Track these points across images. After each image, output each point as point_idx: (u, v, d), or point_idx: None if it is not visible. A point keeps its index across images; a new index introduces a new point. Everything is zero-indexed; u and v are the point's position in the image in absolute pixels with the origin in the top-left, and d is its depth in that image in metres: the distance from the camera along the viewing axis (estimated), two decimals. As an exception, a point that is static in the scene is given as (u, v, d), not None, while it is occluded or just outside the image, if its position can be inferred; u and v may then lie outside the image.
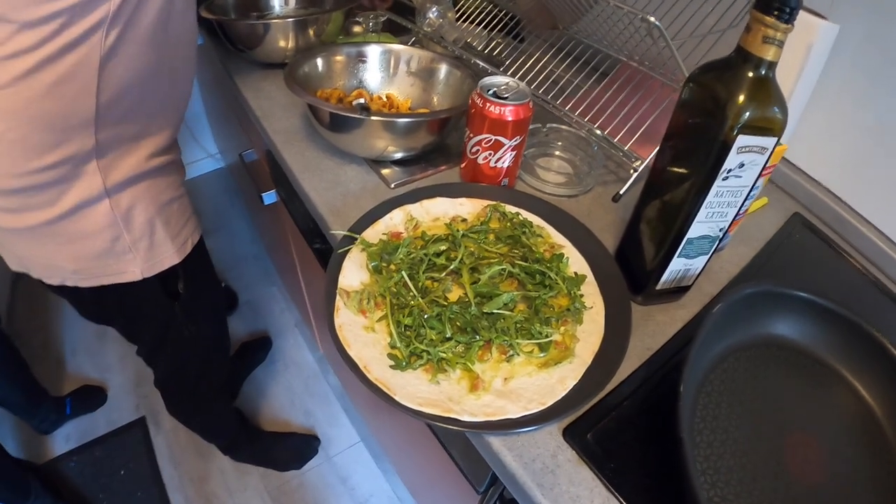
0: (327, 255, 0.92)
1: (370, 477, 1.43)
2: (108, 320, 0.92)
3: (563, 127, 0.84)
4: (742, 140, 0.48)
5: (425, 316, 0.52)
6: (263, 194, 1.09)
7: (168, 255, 0.79)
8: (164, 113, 0.74)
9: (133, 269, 0.76)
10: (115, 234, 0.72)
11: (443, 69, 0.83)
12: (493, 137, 0.66)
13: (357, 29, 1.13)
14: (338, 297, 0.55)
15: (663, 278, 0.60)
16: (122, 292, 0.78)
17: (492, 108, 0.64)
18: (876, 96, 0.71)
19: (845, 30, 0.68)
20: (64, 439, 1.45)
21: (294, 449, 1.46)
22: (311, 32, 0.95)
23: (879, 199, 0.76)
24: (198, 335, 0.98)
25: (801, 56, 0.70)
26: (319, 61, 0.83)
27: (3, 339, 1.27)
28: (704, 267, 0.62)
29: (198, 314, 0.96)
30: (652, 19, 0.65)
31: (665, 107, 0.76)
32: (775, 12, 0.43)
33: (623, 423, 0.53)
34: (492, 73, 0.77)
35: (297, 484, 1.41)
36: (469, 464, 0.68)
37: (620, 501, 0.47)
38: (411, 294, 0.55)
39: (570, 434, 0.51)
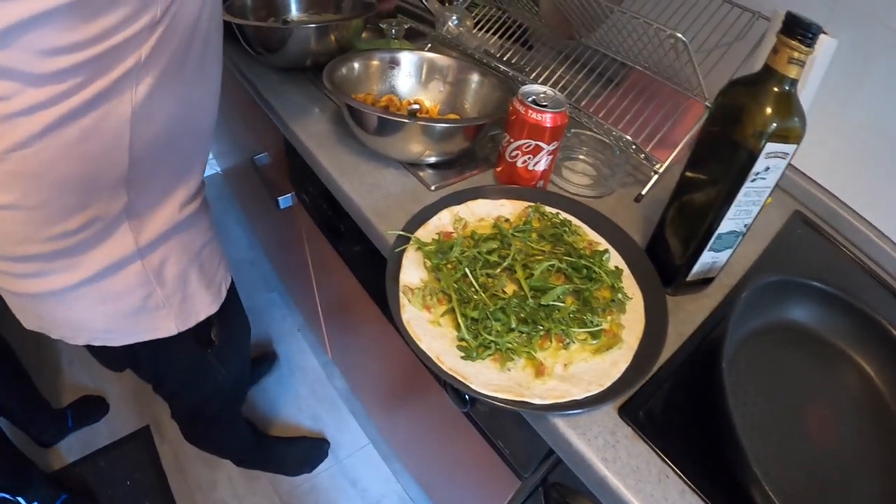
0: (359, 257, 0.95)
1: (381, 478, 1.45)
2: (133, 369, 0.87)
3: (586, 132, 0.89)
4: (769, 147, 0.54)
5: (490, 309, 0.56)
6: (280, 198, 1.11)
7: (204, 306, 0.75)
8: (196, 154, 0.68)
9: (167, 325, 0.71)
10: (147, 292, 0.66)
11: (474, 77, 0.87)
12: (533, 142, 0.70)
13: (364, 35, 1.17)
14: (402, 295, 0.58)
15: (693, 270, 0.65)
16: (154, 346, 0.73)
17: (533, 115, 0.68)
18: (861, 100, 0.79)
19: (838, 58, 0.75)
20: (66, 450, 1.43)
21: (304, 453, 1.46)
22: (332, 38, 0.98)
23: (871, 195, 0.83)
24: (227, 376, 0.95)
25: (806, 68, 0.77)
26: (356, 65, 0.86)
27: (4, 346, 1.25)
28: (729, 259, 0.67)
29: (229, 357, 0.92)
30: (681, 36, 0.70)
31: (680, 113, 0.82)
32: (799, 37, 0.50)
33: (668, 400, 0.58)
34: (523, 82, 0.82)
35: (308, 488, 1.42)
36: (515, 453, 0.71)
37: (674, 470, 0.52)
38: (473, 289, 0.58)
39: (624, 412, 0.55)
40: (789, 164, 0.88)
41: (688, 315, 0.66)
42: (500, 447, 0.73)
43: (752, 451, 0.52)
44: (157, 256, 0.65)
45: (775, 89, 0.53)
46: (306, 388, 1.62)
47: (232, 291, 0.84)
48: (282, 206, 1.13)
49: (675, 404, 0.58)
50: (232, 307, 0.86)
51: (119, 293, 0.64)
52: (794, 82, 0.53)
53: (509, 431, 0.70)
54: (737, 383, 0.59)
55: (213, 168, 2.21)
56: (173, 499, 1.37)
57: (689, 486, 0.51)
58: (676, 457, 0.52)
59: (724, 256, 0.66)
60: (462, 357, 0.53)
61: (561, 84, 0.91)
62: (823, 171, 0.87)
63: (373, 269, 0.83)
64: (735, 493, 0.49)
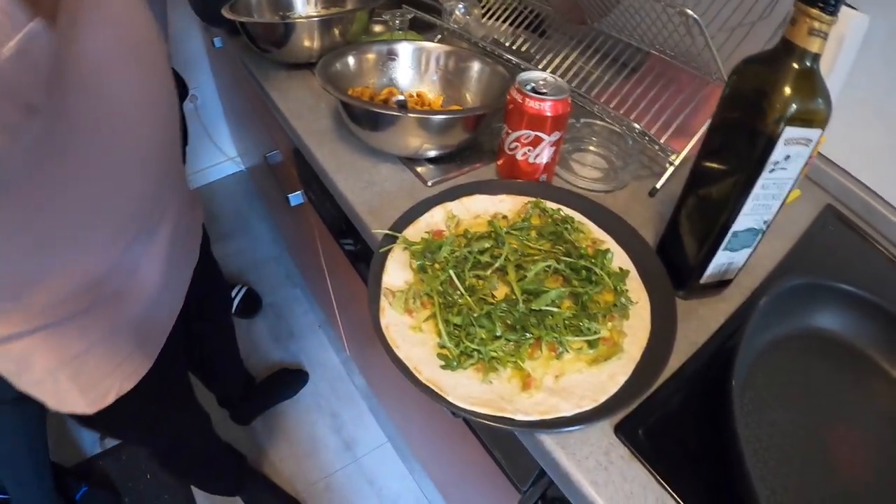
0: (360, 255, 0.92)
1: (398, 477, 1.43)
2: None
3: (597, 122, 0.83)
4: (789, 132, 0.48)
5: (474, 315, 0.52)
6: (290, 196, 1.09)
7: (78, 406, 0.66)
8: (39, 264, 0.51)
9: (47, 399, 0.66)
10: (15, 370, 0.61)
11: (475, 66, 0.82)
12: (533, 133, 0.65)
13: (378, 28, 1.14)
14: (382, 297, 0.55)
15: (707, 272, 0.60)
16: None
17: (531, 104, 0.63)
18: None
19: (873, 25, 0.68)
20: (90, 444, 1.46)
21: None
22: (336, 32, 0.95)
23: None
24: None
25: (834, 48, 0.69)
26: (351, 59, 0.83)
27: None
28: (748, 260, 0.61)
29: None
30: (690, 13, 0.64)
31: (699, 100, 0.76)
32: (820, 4, 0.43)
33: (673, 419, 0.52)
34: (525, 69, 0.77)
35: (325, 486, 1.42)
36: (512, 463, 0.67)
37: (675, 498, 0.47)
38: (458, 292, 0.54)
39: (621, 431, 0.50)
40: (820, 155, 0.82)
41: (701, 321, 0.61)
42: (497, 457, 0.69)
43: (764, 479, 0.46)
44: (16, 347, 0.58)
45: (795, 66, 0.46)
46: (326, 384, 1.61)
47: (137, 400, 0.71)
48: (293, 204, 1.11)
49: (681, 423, 0.52)
50: (129, 414, 0.76)
51: None
52: (816, 57, 0.46)
53: (504, 442, 0.66)
54: (752, 400, 0.54)
55: (237, 166, 2.23)
56: (192, 494, 1.39)
57: (690, 516, 0.46)
58: (678, 483, 0.47)
59: (741, 257, 0.60)
60: (442, 366, 0.50)
61: (573, 71, 0.85)
62: (859, 162, 0.79)
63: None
64: None
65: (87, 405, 0.67)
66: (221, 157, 2.17)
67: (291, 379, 1.60)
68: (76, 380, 0.64)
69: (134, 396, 0.69)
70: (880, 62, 0.71)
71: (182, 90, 1.33)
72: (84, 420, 0.69)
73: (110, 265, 0.57)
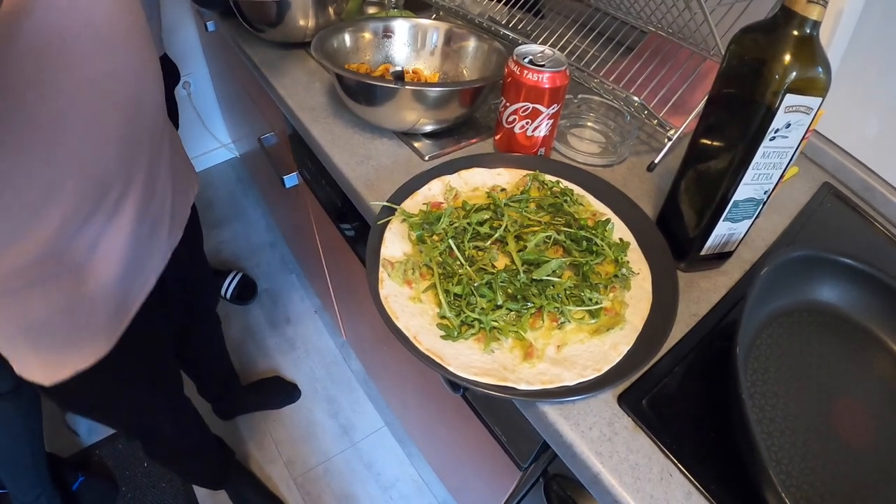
0: (357, 234, 0.91)
1: (395, 461, 1.43)
2: None
3: (595, 97, 0.82)
4: (790, 100, 0.48)
5: (475, 284, 0.51)
6: (285, 177, 1.08)
7: (37, 375, 0.66)
8: (22, 210, 0.51)
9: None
10: None
11: (471, 42, 0.81)
12: (531, 106, 0.64)
13: (372, 10, 1.12)
14: (381, 269, 0.54)
15: (708, 243, 0.59)
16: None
17: (529, 76, 0.62)
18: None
19: (864, 18, 0.67)
20: (86, 433, 1.45)
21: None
22: (330, 10, 0.94)
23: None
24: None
25: (831, 23, 0.69)
26: (347, 37, 0.81)
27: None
28: (748, 231, 0.60)
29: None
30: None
31: (696, 76, 0.75)
32: None
33: (676, 389, 0.52)
34: (523, 43, 0.75)
35: (323, 470, 1.41)
36: (513, 441, 0.67)
37: (679, 468, 0.46)
38: (458, 262, 0.53)
39: (624, 401, 0.50)
40: (818, 133, 0.82)
41: (702, 293, 0.60)
42: (498, 434, 0.69)
43: (770, 449, 0.46)
44: None
45: (795, 33, 0.46)
46: (323, 369, 1.60)
47: (98, 377, 0.70)
48: (287, 185, 1.10)
49: (684, 393, 0.52)
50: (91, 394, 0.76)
51: None
52: (815, 25, 0.46)
53: (505, 418, 0.66)
54: (755, 371, 0.53)
55: (231, 153, 2.21)
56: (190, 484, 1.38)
57: (697, 488, 0.45)
58: (683, 453, 0.47)
59: (742, 227, 0.59)
60: (442, 336, 0.49)
61: (569, 49, 0.84)
62: (857, 140, 0.79)
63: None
64: (749, 499, 0.43)
65: (43, 377, 0.66)
66: (215, 143, 2.15)
67: (282, 390, 1.55)
68: (35, 350, 0.64)
69: (94, 374, 0.68)
70: (876, 39, 0.71)
71: (174, 76, 1.31)
72: (44, 391, 0.68)
73: (68, 238, 0.56)
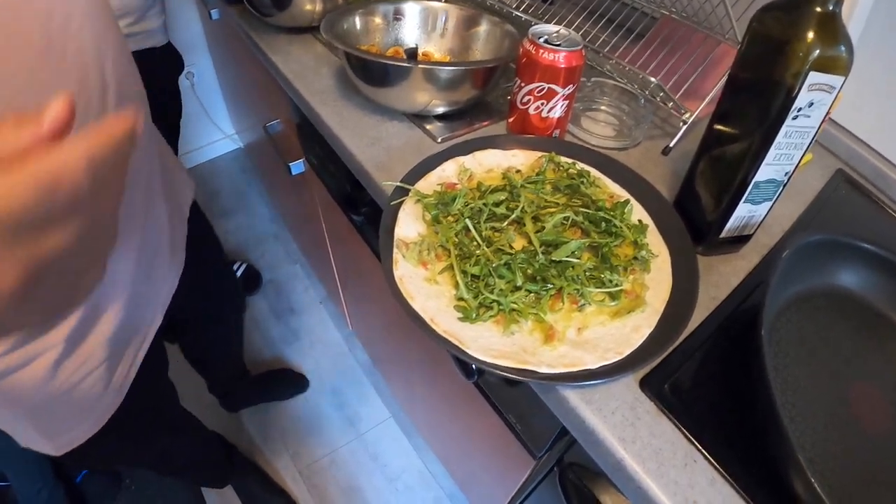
0: (367, 220, 0.90)
1: (401, 453, 1.42)
2: None
3: (609, 81, 0.80)
4: (813, 77, 0.47)
5: (493, 265, 0.50)
6: (291, 164, 1.07)
7: (45, 449, 0.63)
8: None
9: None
10: None
11: (483, 25, 0.79)
12: (546, 86, 0.62)
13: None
14: (395, 250, 0.52)
15: (728, 225, 0.58)
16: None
17: (545, 55, 0.61)
18: None
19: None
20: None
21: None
22: (338, -6, 0.92)
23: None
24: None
25: (849, 4, 0.67)
26: (357, 19, 0.79)
27: None
28: (767, 214, 0.59)
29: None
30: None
31: (710, 61, 0.73)
32: None
33: (698, 374, 0.51)
34: (538, 24, 0.74)
35: (329, 462, 1.40)
36: (527, 428, 0.65)
37: (704, 454, 0.45)
38: (475, 243, 0.52)
39: (647, 385, 0.48)
40: (831, 120, 0.81)
41: (721, 277, 0.59)
42: (513, 423, 0.67)
43: (794, 434, 0.45)
44: None
45: (818, 9, 0.45)
46: (328, 360, 1.59)
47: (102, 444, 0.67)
48: (293, 172, 1.09)
49: (706, 378, 0.51)
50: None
51: None
52: (839, 1, 0.44)
53: (520, 406, 0.65)
54: (775, 355, 0.52)
55: (235, 143, 2.19)
56: (194, 472, 1.37)
57: (721, 473, 0.44)
58: (707, 439, 0.46)
59: (762, 210, 0.58)
60: (460, 319, 0.47)
61: (581, 33, 0.82)
62: (870, 127, 0.78)
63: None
64: (774, 484, 0.42)
65: (52, 448, 0.63)
66: (219, 134, 2.13)
67: (289, 381, 1.53)
68: (37, 426, 0.60)
69: (105, 434, 0.65)
70: (887, 29, 0.70)
71: (178, 65, 1.29)
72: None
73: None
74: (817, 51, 0.45)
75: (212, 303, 1.06)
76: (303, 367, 1.58)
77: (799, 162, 0.54)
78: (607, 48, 0.79)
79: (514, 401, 0.66)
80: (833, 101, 0.50)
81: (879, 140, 0.78)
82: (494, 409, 0.70)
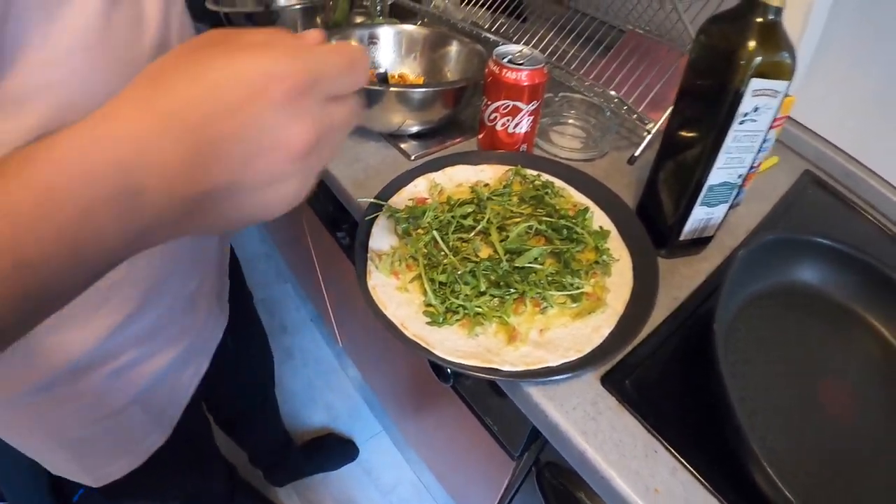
0: (352, 241, 0.93)
1: (394, 466, 1.44)
2: None
3: (575, 95, 0.84)
4: (756, 83, 0.50)
5: (458, 272, 0.53)
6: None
7: (78, 479, 0.63)
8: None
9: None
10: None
11: (453, 46, 0.83)
12: (511, 103, 0.66)
13: (359, 19, 1.15)
14: (369, 261, 0.55)
15: (686, 228, 0.61)
16: None
17: (508, 74, 0.64)
18: (874, 54, 0.73)
19: (840, 5, 0.70)
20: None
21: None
22: (318, 20, 0.96)
23: (886, 151, 0.77)
24: None
25: (803, 13, 0.71)
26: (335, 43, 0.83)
27: None
28: (725, 216, 0.62)
29: None
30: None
31: (673, 72, 0.77)
32: None
33: (658, 370, 0.53)
34: (504, 44, 0.78)
35: (322, 477, 1.42)
36: (504, 430, 0.68)
37: (664, 445, 0.47)
38: (443, 253, 0.55)
39: (608, 382, 0.51)
40: (797, 122, 0.84)
41: (683, 279, 0.62)
42: (490, 425, 0.70)
43: (754, 426, 0.47)
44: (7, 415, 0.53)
45: (758, 20, 0.48)
46: (320, 378, 1.61)
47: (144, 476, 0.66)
48: (279, 193, 1.11)
49: (667, 374, 0.53)
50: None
51: None
52: (778, 11, 0.48)
53: (495, 408, 0.67)
54: (737, 351, 0.54)
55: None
56: (191, 490, 1.38)
57: (681, 463, 0.46)
58: (667, 431, 0.48)
59: (719, 212, 0.61)
60: (428, 323, 0.50)
61: (549, 50, 0.87)
62: (836, 129, 0.81)
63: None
64: (733, 472, 0.44)
65: (91, 480, 0.63)
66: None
67: (339, 450, 1.45)
68: (78, 458, 0.60)
69: (146, 470, 0.65)
70: (852, 30, 0.73)
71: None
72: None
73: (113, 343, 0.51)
74: (759, 58, 0.48)
75: (247, 369, 1.04)
76: (295, 384, 1.60)
77: (754, 165, 0.58)
78: (574, 63, 0.83)
79: (490, 404, 0.68)
80: (780, 105, 0.53)
81: (846, 139, 0.80)
82: (473, 413, 0.73)
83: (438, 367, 0.67)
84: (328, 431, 1.50)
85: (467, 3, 1.02)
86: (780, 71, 0.50)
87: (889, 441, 0.50)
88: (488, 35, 0.86)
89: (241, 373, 0.94)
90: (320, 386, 1.59)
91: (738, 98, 0.50)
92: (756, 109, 0.52)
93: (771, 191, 0.76)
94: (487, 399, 0.68)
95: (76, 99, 0.37)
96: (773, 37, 0.49)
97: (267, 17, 0.94)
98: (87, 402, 0.54)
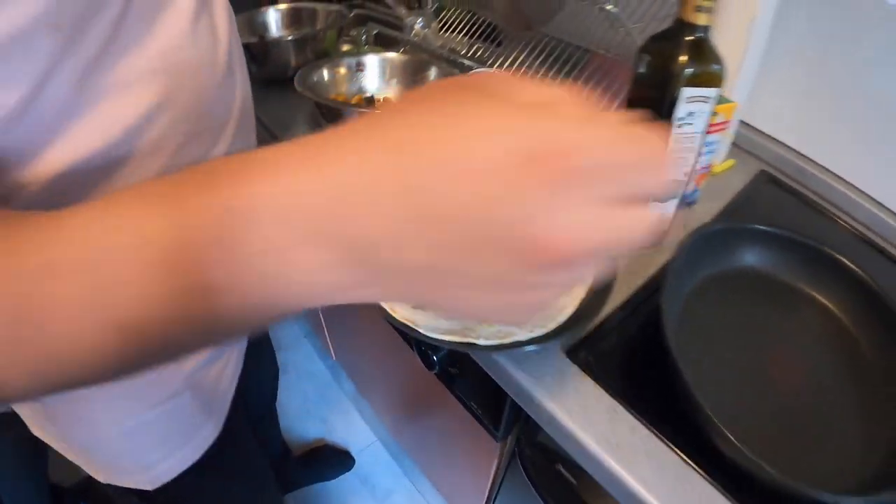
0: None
1: (390, 475, 1.48)
2: None
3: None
4: (688, 92, 0.58)
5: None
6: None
7: (135, 481, 0.61)
8: None
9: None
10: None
11: (433, 71, 0.92)
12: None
13: (346, 48, 1.24)
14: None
15: (641, 222, 0.69)
16: None
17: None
18: (822, 64, 0.82)
19: (789, 14, 0.78)
20: (89, 463, 1.48)
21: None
22: (308, 50, 1.05)
23: (835, 148, 0.85)
24: None
25: (745, 26, 0.80)
26: (325, 71, 0.92)
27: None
28: (675, 211, 0.70)
29: None
30: (609, 7, 0.75)
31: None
32: None
33: (619, 343, 0.60)
34: (479, 68, 0.87)
35: (318, 486, 1.45)
36: (487, 412, 0.75)
37: (623, 406, 0.54)
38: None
39: (572, 354, 0.58)
40: (751, 127, 0.93)
41: (641, 268, 0.69)
42: (474, 409, 0.76)
43: (706, 399, 0.50)
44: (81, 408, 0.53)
45: (688, 38, 0.57)
46: (315, 392, 1.66)
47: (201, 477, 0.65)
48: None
49: (624, 349, 0.60)
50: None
51: None
52: (706, 29, 0.56)
53: (478, 392, 0.74)
54: (689, 331, 0.61)
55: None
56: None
57: (640, 421, 0.53)
58: (626, 394, 0.55)
59: (669, 207, 0.69)
60: (413, 307, 0.58)
61: (522, 71, 0.96)
62: (789, 130, 0.89)
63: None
64: (687, 429, 0.50)
65: (146, 481, 0.60)
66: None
67: (335, 460, 1.49)
68: (131, 452, 0.58)
69: (201, 472, 0.64)
70: (801, 40, 0.81)
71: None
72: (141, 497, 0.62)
73: None
74: (691, 69, 0.56)
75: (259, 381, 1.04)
76: (291, 399, 1.64)
77: (696, 163, 0.66)
78: (545, 85, 0.92)
79: (471, 389, 0.75)
80: (712, 109, 0.61)
81: (799, 140, 0.88)
82: (458, 400, 0.80)
83: (424, 355, 0.73)
84: (324, 443, 1.55)
85: (446, 31, 1.11)
86: (710, 79, 0.58)
87: (841, 401, 0.56)
88: (464, 60, 0.95)
89: (251, 387, 0.98)
90: (315, 400, 1.64)
91: (674, 105, 0.59)
92: (691, 114, 0.60)
93: (726, 190, 0.84)
94: (470, 386, 0.75)
95: (174, 94, 0.40)
96: (703, 51, 0.57)
97: (261, 48, 1.03)
98: (144, 381, 0.51)
